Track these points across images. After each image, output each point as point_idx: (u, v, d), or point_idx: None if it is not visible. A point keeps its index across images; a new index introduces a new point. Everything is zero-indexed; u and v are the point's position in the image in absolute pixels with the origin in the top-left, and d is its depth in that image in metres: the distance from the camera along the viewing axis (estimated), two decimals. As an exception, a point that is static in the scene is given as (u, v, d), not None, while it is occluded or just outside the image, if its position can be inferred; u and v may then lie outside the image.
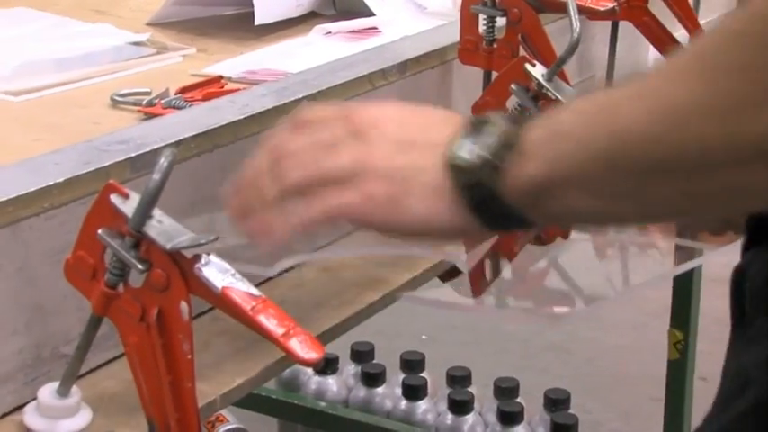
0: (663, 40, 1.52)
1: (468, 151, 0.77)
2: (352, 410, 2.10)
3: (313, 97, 1.19)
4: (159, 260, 0.81)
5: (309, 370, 2.16)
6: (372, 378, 2.13)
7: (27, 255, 0.93)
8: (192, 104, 1.26)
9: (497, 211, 0.77)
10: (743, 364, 0.86)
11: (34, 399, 0.93)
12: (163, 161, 0.81)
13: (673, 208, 0.73)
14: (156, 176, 0.80)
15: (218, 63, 1.44)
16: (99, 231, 0.83)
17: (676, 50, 0.71)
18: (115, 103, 1.29)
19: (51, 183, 0.94)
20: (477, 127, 0.78)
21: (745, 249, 0.90)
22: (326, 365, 2.13)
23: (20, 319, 0.94)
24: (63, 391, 0.92)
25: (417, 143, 0.80)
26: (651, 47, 1.57)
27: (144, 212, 0.81)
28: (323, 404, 2.11)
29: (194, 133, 1.07)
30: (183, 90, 1.30)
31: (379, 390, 2.13)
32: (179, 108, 1.25)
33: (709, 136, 0.67)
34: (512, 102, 1.27)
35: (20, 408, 0.94)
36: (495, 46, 1.36)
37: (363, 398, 2.12)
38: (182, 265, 0.81)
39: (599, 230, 0.85)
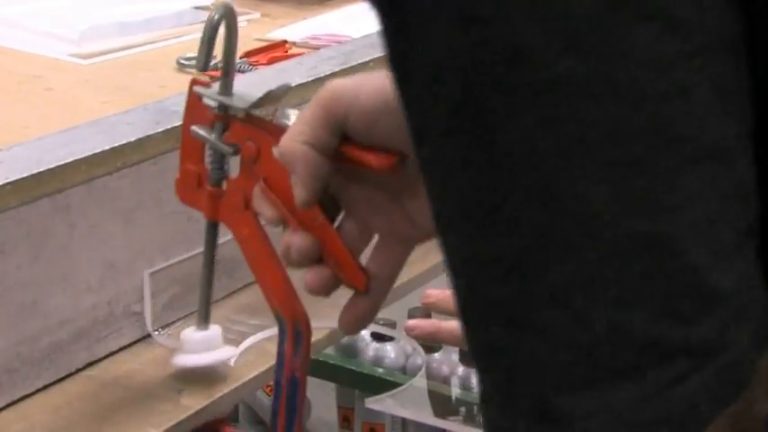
0: None
1: None
2: (410, 377, 2.10)
3: (380, 60, 1.18)
4: (244, 132, 0.81)
5: (367, 337, 2.16)
6: (430, 344, 2.13)
7: (100, 213, 0.94)
8: (256, 68, 1.26)
9: None
10: None
11: (107, 356, 0.95)
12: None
13: None
14: (216, 16, 0.85)
15: (282, 28, 1.44)
16: (192, 127, 0.85)
17: None
18: (181, 67, 1.29)
19: (124, 142, 0.95)
20: None
21: None
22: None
23: (93, 276, 0.95)
24: (203, 325, 0.93)
25: None
26: None
27: (206, 55, 0.86)
28: (381, 370, 2.12)
29: (262, 95, 1.07)
30: (248, 54, 1.31)
31: (436, 356, 2.13)
32: (244, 72, 1.25)
33: None
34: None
35: (92, 364, 0.95)
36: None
37: (421, 364, 2.12)
38: (264, 126, 0.81)
39: None
